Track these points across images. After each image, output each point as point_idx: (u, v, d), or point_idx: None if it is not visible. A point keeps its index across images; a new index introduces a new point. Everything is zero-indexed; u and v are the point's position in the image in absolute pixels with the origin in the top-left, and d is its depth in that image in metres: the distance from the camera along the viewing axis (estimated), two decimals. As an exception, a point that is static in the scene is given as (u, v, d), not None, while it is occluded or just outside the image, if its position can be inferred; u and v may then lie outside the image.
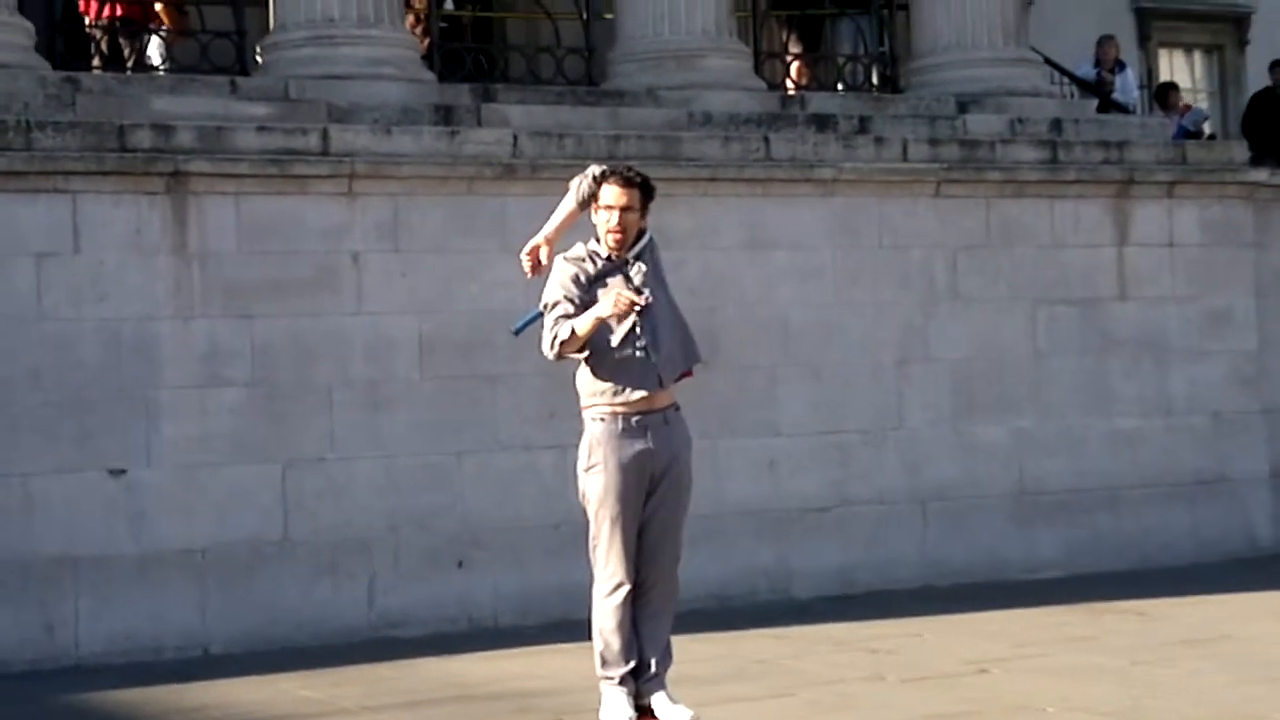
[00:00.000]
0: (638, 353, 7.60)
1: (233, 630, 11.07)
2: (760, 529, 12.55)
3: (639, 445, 7.62)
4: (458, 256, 11.85)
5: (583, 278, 7.65)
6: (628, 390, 7.60)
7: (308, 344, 11.46)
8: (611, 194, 7.67)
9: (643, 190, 7.74)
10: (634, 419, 7.62)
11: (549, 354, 7.61)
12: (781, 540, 12.63)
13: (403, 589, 11.51)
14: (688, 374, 7.86)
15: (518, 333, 8.00)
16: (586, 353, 7.63)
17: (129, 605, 10.86)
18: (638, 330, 7.59)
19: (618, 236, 7.67)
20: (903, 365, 13.18)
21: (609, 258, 7.70)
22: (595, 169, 7.79)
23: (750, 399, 12.63)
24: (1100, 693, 8.97)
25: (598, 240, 7.74)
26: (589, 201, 7.77)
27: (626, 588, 7.69)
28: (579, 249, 7.77)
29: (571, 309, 7.56)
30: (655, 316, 7.64)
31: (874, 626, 11.23)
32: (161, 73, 12.77)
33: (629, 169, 7.80)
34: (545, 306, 7.71)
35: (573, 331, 7.51)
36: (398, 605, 11.49)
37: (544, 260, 7.90)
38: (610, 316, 7.50)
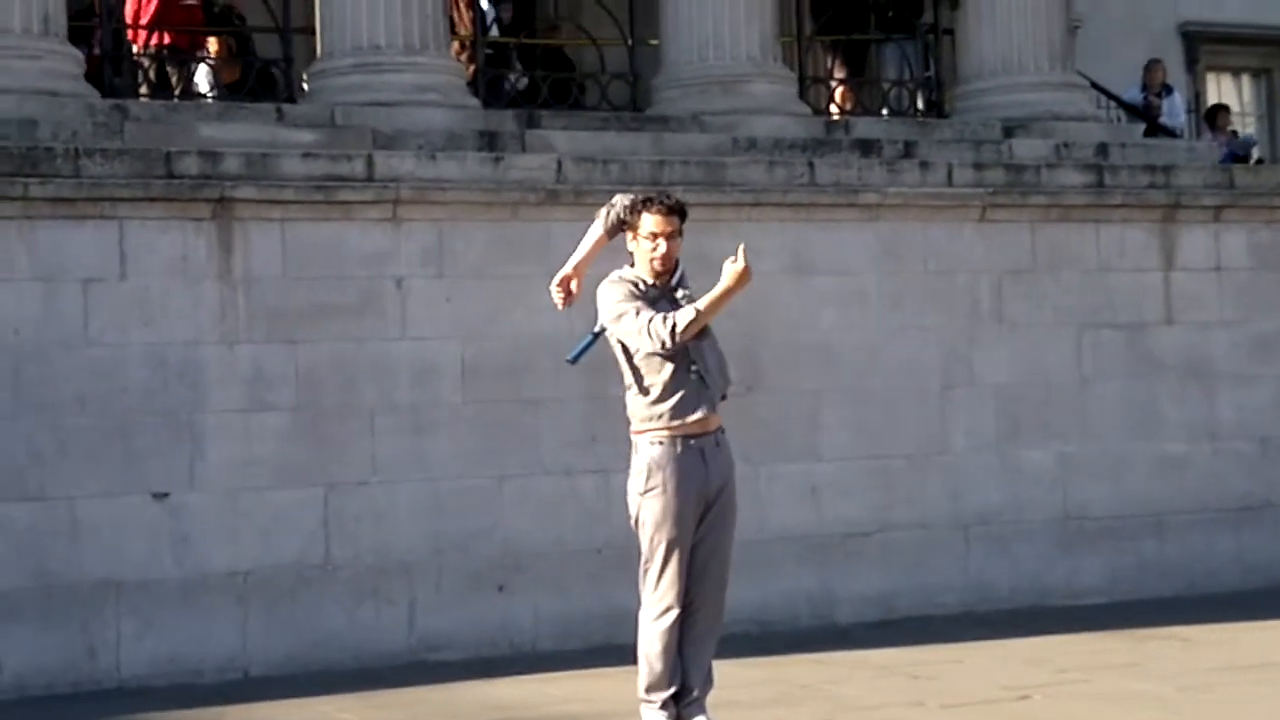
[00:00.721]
0: (693, 374, 7.64)
1: (274, 653, 11.12)
2: (802, 554, 12.54)
3: (697, 468, 7.66)
4: (501, 282, 11.90)
5: (637, 295, 7.68)
6: (687, 412, 7.61)
7: (351, 369, 11.52)
8: (655, 222, 7.71)
9: (681, 216, 7.80)
10: (691, 441, 7.65)
11: (666, 344, 7.53)
12: (824, 565, 12.62)
13: (444, 612, 11.55)
14: (723, 397, 7.90)
15: (574, 361, 8.00)
16: (639, 376, 7.64)
17: (172, 628, 10.93)
18: (691, 353, 7.62)
19: (665, 264, 7.72)
20: (947, 390, 13.16)
21: (653, 284, 7.73)
22: (624, 198, 7.81)
23: (793, 424, 12.63)
24: (1142, 719, 8.93)
25: (631, 266, 7.76)
26: (618, 230, 7.80)
27: (676, 611, 7.71)
28: (623, 273, 7.80)
29: (651, 311, 7.56)
30: (704, 345, 7.69)
31: (915, 652, 11.21)
32: (209, 100, 12.89)
33: (667, 195, 7.83)
34: (603, 328, 7.72)
35: (697, 312, 7.50)
36: (439, 628, 11.53)
37: (574, 290, 7.93)
38: (738, 288, 7.49)
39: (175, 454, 11.06)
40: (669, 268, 7.75)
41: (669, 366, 7.60)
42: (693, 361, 7.64)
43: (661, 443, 7.65)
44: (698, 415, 7.64)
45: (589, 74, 14.22)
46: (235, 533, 11.15)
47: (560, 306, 8.01)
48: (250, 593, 11.16)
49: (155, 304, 11.12)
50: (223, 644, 11.05)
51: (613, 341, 7.79)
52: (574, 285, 7.94)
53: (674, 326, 7.50)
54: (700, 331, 7.63)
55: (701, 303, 7.53)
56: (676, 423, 7.62)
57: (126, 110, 11.88)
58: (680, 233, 7.78)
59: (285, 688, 10.54)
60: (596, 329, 7.85)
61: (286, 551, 11.27)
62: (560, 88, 13.83)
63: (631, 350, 7.68)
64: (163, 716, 9.93)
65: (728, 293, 7.54)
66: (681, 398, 7.62)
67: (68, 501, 10.82)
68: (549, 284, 8.10)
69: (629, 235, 7.78)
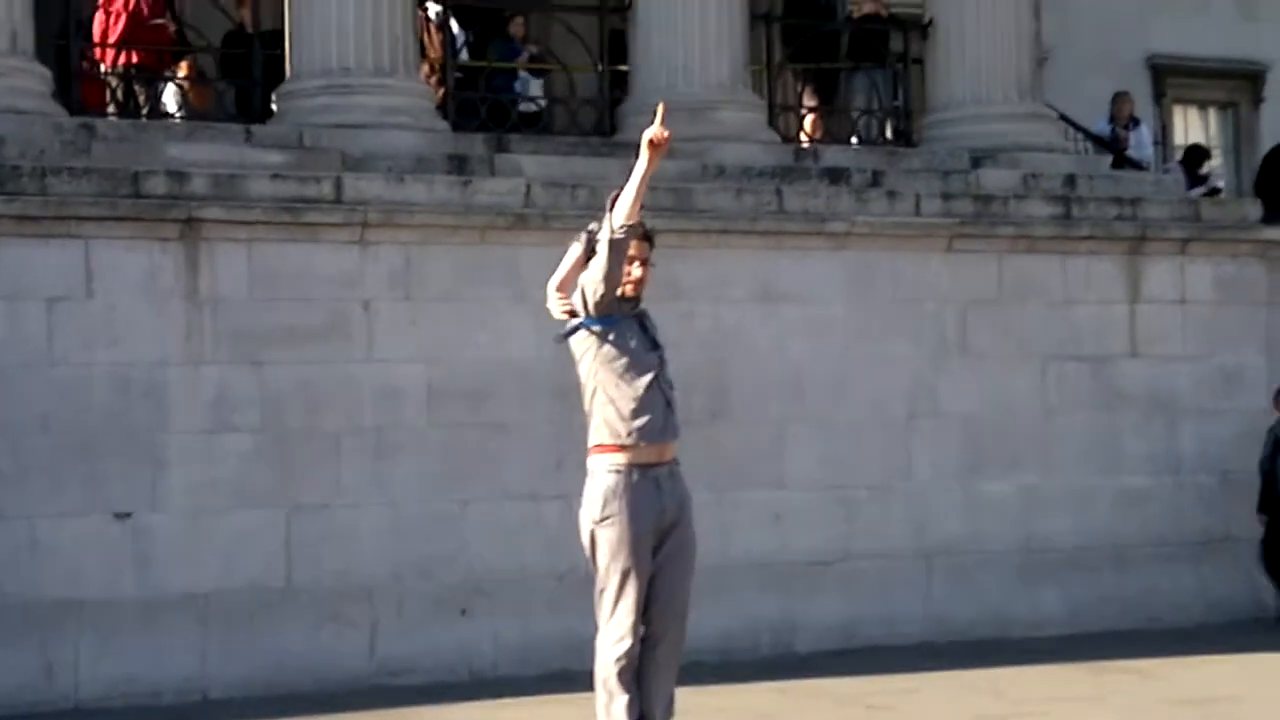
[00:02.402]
0: (660, 397, 7.62)
1: (233, 676, 11.10)
2: (765, 581, 12.54)
3: (653, 497, 7.63)
4: (469, 305, 11.90)
5: None
6: (653, 433, 7.59)
7: (317, 391, 11.52)
8: (635, 246, 7.70)
9: (651, 242, 7.80)
10: (649, 471, 7.63)
11: (614, 228, 7.43)
12: (786, 593, 12.62)
13: (405, 637, 11.53)
14: None
15: (562, 339, 7.89)
16: (613, 389, 7.61)
17: (130, 649, 10.91)
18: (659, 381, 7.62)
19: (638, 288, 7.72)
20: (912, 420, 13.19)
21: (624, 302, 7.72)
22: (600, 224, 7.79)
23: (758, 451, 12.64)
24: (1096, 754, 8.97)
25: None
26: (592, 255, 7.79)
27: (631, 640, 7.68)
28: None
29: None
30: (664, 373, 7.69)
31: (874, 681, 11.22)
32: (176, 120, 12.86)
33: (641, 222, 7.82)
34: (582, 292, 7.68)
35: (632, 197, 7.40)
36: (399, 653, 11.51)
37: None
38: (657, 155, 7.43)
39: (138, 475, 11.04)
40: (639, 293, 7.75)
41: (642, 383, 7.58)
42: (659, 387, 7.63)
43: (619, 471, 7.63)
44: (662, 440, 7.64)
45: (558, 99, 14.22)
46: (196, 554, 11.13)
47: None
48: (210, 614, 11.13)
49: (121, 324, 11.11)
50: (182, 665, 11.02)
51: (579, 357, 7.75)
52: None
53: (614, 214, 7.46)
54: (661, 365, 7.63)
55: (629, 187, 7.45)
56: (644, 443, 7.60)
57: (93, 129, 11.87)
58: (652, 262, 7.78)
59: (244, 710, 10.52)
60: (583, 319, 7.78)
61: (248, 573, 11.25)
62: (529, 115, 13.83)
63: (600, 363, 7.62)
64: (120, 738, 9.91)
65: (648, 165, 7.48)
66: (650, 419, 7.61)
67: (28, 521, 10.80)
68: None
69: None
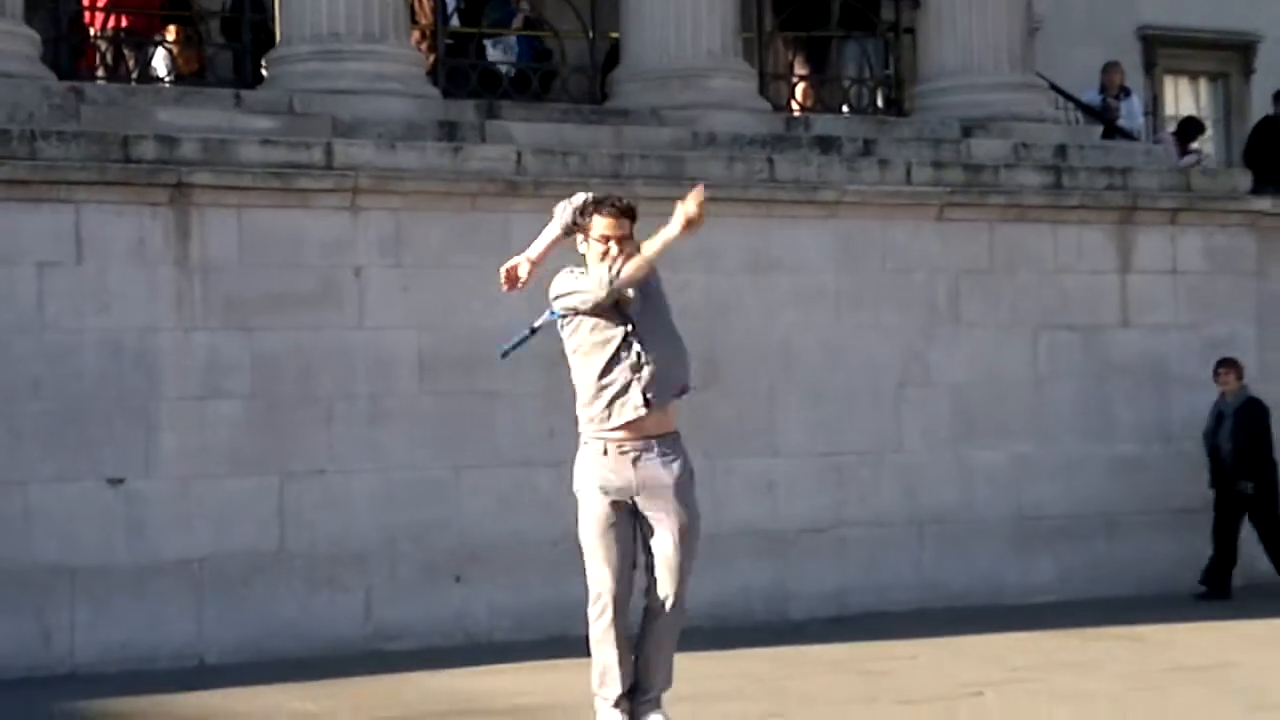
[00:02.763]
0: (622, 378, 7.55)
1: (228, 641, 11.09)
2: (758, 549, 12.56)
3: (621, 472, 7.57)
4: (460, 272, 11.86)
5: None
6: (614, 416, 7.57)
7: (308, 357, 11.48)
8: (606, 225, 7.58)
9: (632, 218, 7.69)
10: (621, 446, 7.59)
11: (605, 285, 7.40)
12: (779, 561, 12.64)
13: (399, 603, 11.53)
14: (684, 390, 7.76)
15: (505, 355, 7.95)
16: (575, 383, 7.62)
17: (125, 614, 10.89)
18: (623, 355, 7.55)
19: (616, 265, 7.63)
20: (903, 388, 13.19)
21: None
22: (580, 197, 7.74)
23: (751, 420, 12.64)
24: (1093, 717, 8.96)
25: (583, 269, 7.66)
26: (571, 231, 7.73)
27: (608, 605, 7.66)
28: (578, 270, 7.70)
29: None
30: (645, 340, 7.58)
31: (869, 648, 11.22)
32: (166, 84, 12.80)
33: (618, 198, 7.74)
34: (540, 325, 7.68)
35: (644, 259, 7.36)
36: (394, 619, 11.50)
37: (522, 278, 7.84)
38: (688, 232, 7.41)
39: (130, 440, 11.01)
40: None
41: (596, 369, 7.54)
42: (623, 363, 7.54)
43: (588, 443, 7.65)
44: (622, 420, 7.57)
45: (549, 68, 14.17)
46: (189, 520, 11.11)
47: (505, 289, 7.90)
48: (205, 580, 11.12)
49: (111, 289, 11.06)
50: (177, 631, 11.01)
51: (564, 338, 7.72)
52: (523, 272, 7.84)
53: (617, 272, 7.42)
54: (648, 331, 7.54)
55: (648, 247, 7.43)
56: (608, 425, 7.58)
57: (83, 93, 11.81)
58: (631, 235, 7.68)
59: (239, 675, 10.48)
60: (536, 324, 7.76)
61: (241, 539, 11.23)
62: (521, 77, 13.78)
63: (568, 348, 7.62)
64: (116, 703, 9.86)
65: (676, 237, 7.43)
66: (610, 402, 7.56)
67: (21, 486, 10.76)
68: (501, 282, 8.01)
69: (579, 237, 7.70)
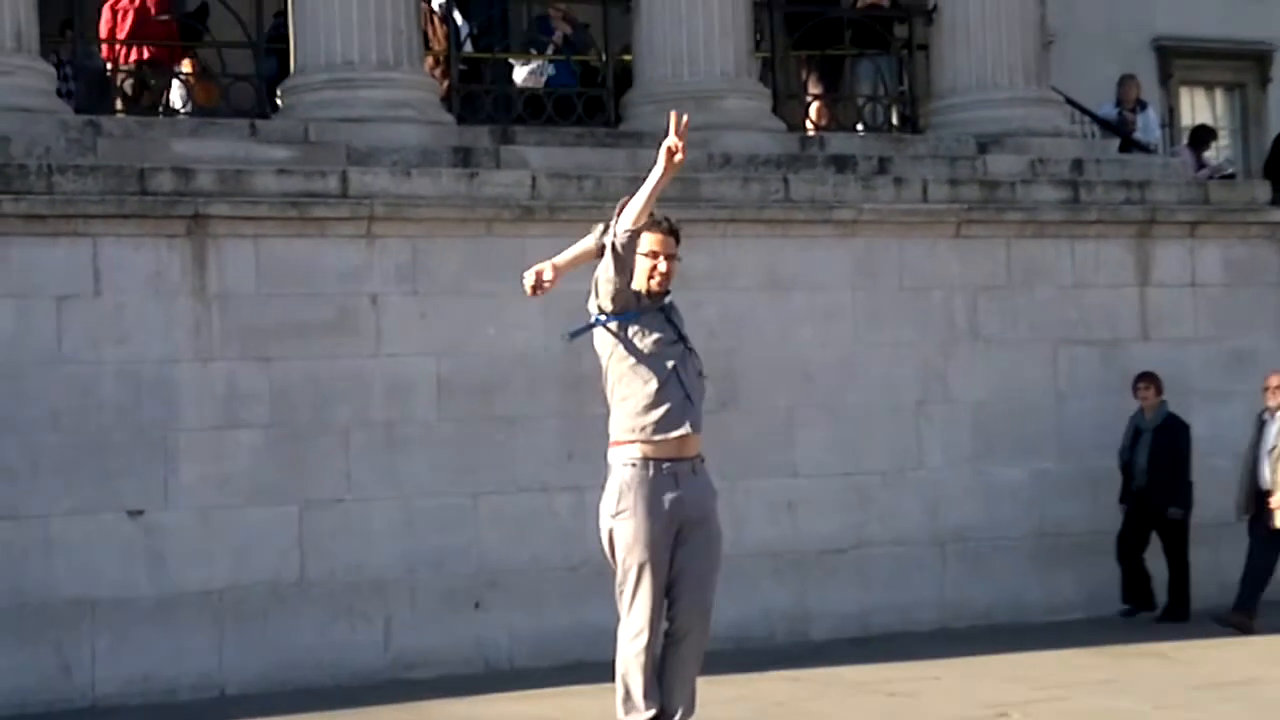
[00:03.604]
0: (679, 391, 7.57)
1: (249, 671, 11.08)
2: (778, 570, 12.53)
3: (669, 492, 7.58)
4: (476, 298, 11.87)
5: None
6: (670, 427, 7.54)
7: (326, 386, 11.49)
8: (657, 241, 7.64)
9: (677, 238, 7.77)
10: (665, 465, 7.57)
11: (615, 230, 7.44)
12: (800, 581, 12.61)
13: (419, 630, 11.51)
14: None
15: (573, 337, 7.86)
16: (626, 384, 7.58)
17: (146, 646, 10.88)
18: (679, 373, 7.57)
19: (664, 283, 7.67)
20: (922, 406, 13.16)
21: (648, 298, 7.67)
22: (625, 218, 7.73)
23: (769, 440, 12.61)
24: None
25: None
26: (604, 249, 7.72)
27: (649, 634, 7.64)
28: None
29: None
30: (689, 365, 7.64)
31: (891, 669, 11.19)
32: (182, 116, 12.84)
33: (666, 217, 7.79)
34: (592, 305, 7.65)
35: (640, 202, 7.41)
36: (414, 646, 11.49)
37: (549, 280, 7.82)
38: (672, 168, 7.42)
39: (149, 472, 11.02)
40: (665, 287, 7.71)
41: (658, 378, 7.54)
42: (680, 379, 7.58)
43: (634, 464, 7.59)
44: (680, 432, 7.57)
45: (560, 92, 14.17)
46: (209, 550, 11.11)
47: (529, 294, 7.88)
48: (225, 611, 11.11)
49: (129, 321, 11.08)
50: (197, 662, 11.00)
51: (601, 352, 7.71)
52: (549, 276, 7.83)
53: (622, 218, 7.45)
54: (685, 357, 7.57)
55: (640, 192, 7.43)
56: (659, 437, 7.55)
57: (99, 126, 11.84)
58: (677, 256, 7.74)
59: (260, 706, 10.49)
60: (601, 316, 7.74)
61: (261, 569, 11.22)
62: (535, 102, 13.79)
63: (616, 355, 7.59)
64: (137, 736, 9.89)
65: (663, 175, 7.47)
66: (666, 414, 7.57)
67: (42, 520, 10.77)
68: (527, 299, 7.99)
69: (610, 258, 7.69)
